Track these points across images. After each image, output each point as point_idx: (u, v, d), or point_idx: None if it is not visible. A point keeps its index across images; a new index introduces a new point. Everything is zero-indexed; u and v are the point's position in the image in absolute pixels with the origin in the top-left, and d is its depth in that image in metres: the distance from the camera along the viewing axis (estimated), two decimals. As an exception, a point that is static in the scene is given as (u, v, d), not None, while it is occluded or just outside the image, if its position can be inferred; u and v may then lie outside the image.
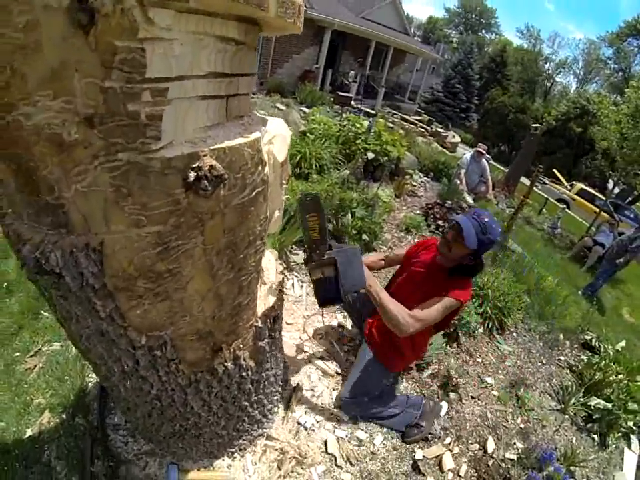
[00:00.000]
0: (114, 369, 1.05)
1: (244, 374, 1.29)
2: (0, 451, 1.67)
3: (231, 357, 1.16)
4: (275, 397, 1.84)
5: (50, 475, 1.61)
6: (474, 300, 3.10)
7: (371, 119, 6.60)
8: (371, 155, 5.53)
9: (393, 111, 15.03)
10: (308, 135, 5.56)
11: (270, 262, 1.41)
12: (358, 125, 5.98)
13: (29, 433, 1.77)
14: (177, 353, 1.01)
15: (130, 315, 0.85)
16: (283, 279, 1.41)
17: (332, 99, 11.19)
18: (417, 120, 15.28)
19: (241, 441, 1.71)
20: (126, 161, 0.60)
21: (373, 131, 5.81)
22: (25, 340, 2.22)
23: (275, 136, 0.88)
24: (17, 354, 2.14)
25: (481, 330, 3.13)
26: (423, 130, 13.43)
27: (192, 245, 0.78)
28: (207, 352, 1.09)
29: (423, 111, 19.51)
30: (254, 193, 0.81)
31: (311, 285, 1.57)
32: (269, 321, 1.27)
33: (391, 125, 8.58)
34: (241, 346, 1.19)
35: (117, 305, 0.82)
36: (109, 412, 1.84)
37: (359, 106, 12.40)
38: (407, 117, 14.87)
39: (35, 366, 2.09)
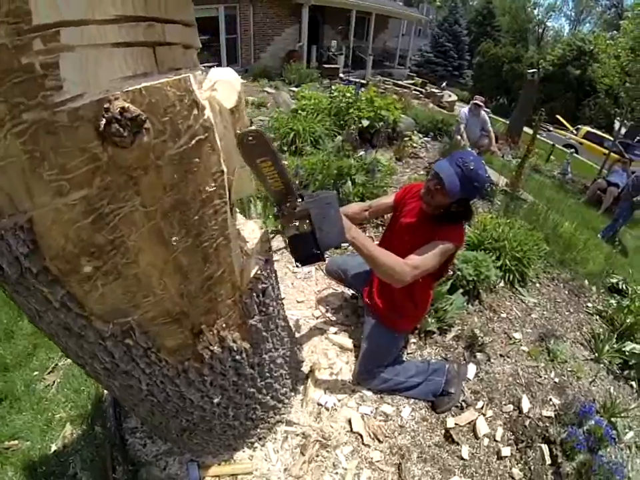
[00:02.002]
0: (96, 367, 1.00)
1: (237, 357, 1.17)
2: (29, 469, 1.71)
3: (216, 340, 1.05)
4: (289, 380, 1.74)
5: None
6: (491, 253, 2.93)
7: (355, 84, 6.40)
8: (365, 122, 5.34)
9: (384, 78, 14.66)
10: (299, 112, 5.47)
11: (253, 232, 1.27)
12: (348, 95, 5.81)
13: (53, 447, 1.79)
14: (152, 340, 0.93)
15: (89, 303, 0.79)
16: (270, 248, 1.26)
17: (320, 74, 10.99)
18: (410, 84, 14.94)
19: (258, 430, 1.65)
20: (31, 121, 0.55)
21: (359, 93, 5.68)
22: (41, 358, 2.31)
23: (218, 82, 0.80)
24: (36, 373, 2.22)
25: (501, 284, 2.96)
26: (417, 93, 13.09)
27: (129, 209, 0.69)
28: (187, 336, 0.98)
29: (415, 75, 19.03)
30: (194, 142, 0.71)
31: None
32: (255, 295, 1.14)
33: (383, 92, 8.33)
34: (225, 325, 1.06)
35: (70, 291, 0.75)
36: (125, 416, 1.81)
37: (349, 77, 12.12)
38: (399, 82, 14.50)
39: (54, 382, 2.16)
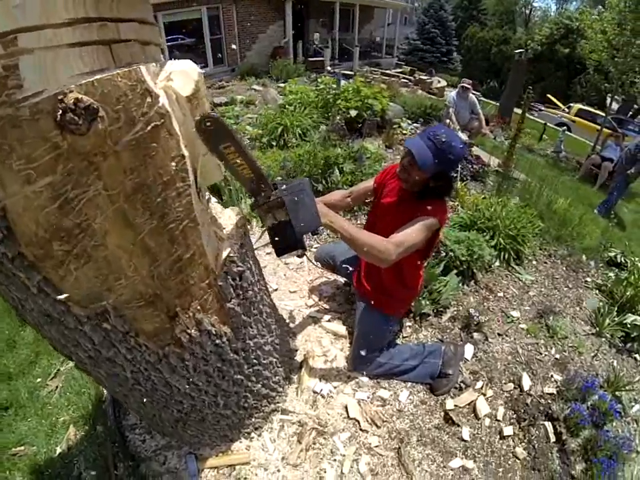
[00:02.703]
0: (81, 356, 1.04)
1: (218, 342, 1.17)
2: (36, 472, 1.75)
3: (192, 323, 1.05)
4: (281, 368, 1.73)
5: None
6: (484, 233, 2.89)
7: (335, 74, 6.40)
8: (353, 112, 5.31)
9: (372, 69, 14.59)
10: (287, 106, 5.48)
11: (230, 219, 1.27)
12: (334, 86, 5.81)
13: (58, 450, 1.83)
14: (129, 324, 0.96)
15: (65, 288, 0.83)
16: (245, 233, 1.26)
17: (306, 68, 10.95)
18: (398, 72, 14.86)
19: (253, 419, 1.65)
20: None
21: (341, 83, 5.72)
22: (44, 365, 2.36)
23: (173, 72, 0.83)
24: (39, 380, 2.27)
25: (497, 263, 2.92)
26: (406, 81, 13.01)
27: (93, 193, 0.74)
28: (163, 320, 1.00)
29: (403, 63, 18.97)
30: (149, 127, 0.75)
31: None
32: (230, 278, 1.13)
33: (370, 82, 8.28)
34: (200, 308, 1.06)
35: (46, 277, 0.81)
36: (124, 414, 1.84)
37: (336, 70, 12.04)
38: (387, 71, 14.42)
39: (57, 387, 2.20)
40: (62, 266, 0.79)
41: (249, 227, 1.26)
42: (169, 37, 10.67)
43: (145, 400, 1.26)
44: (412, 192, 1.69)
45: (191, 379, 1.19)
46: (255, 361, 1.42)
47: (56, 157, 0.67)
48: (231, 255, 1.11)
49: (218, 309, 1.13)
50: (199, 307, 1.06)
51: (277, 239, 1.28)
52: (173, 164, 0.83)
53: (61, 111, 0.62)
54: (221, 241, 1.13)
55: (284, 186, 1.22)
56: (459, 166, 4.29)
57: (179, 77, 0.83)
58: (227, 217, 1.27)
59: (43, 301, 0.84)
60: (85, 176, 0.71)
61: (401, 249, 1.50)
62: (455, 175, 4.17)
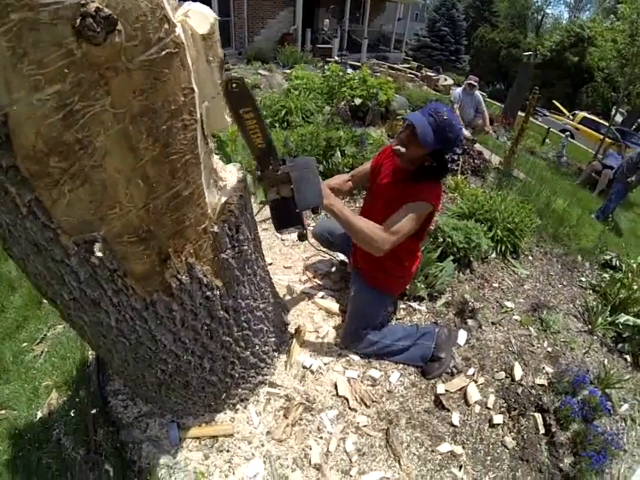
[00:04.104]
0: (65, 298, 1.02)
1: (209, 294, 1.14)
2: (15, 437, 1.72)
3: (184, 267, 1.03)
4: (272, 339, 1.70)
5: (60, 451, 1.61)
6: (483, 224, 2.86)
7: (342, 62, 6.38)
8: (358, 101, 5.31)
9: (380, 62, 14.47)
10: (292, 90, 5.48)
11: (231, 173, 1.24)
12: (341, 74, 5.74)
13: (39, 415, 1.81)
14: (117, 261, 0.93)
15: (56, 212, 0.81)
16: (245, 186, 1.23)
17: (313, 55, 10.89)
18: (405, 67, 14.73)
19: (239, 390, 1.62)
20: (17, 20, 0.60)
21: (349, 72, 5.73)
22: (31, 330, 2.34)
23: (190, 10, 0.86)
24: (25, 344, 2.25)
25: (493, 255, 2.90)
26: (412, 76, 12.90)
27: (99, 108, 0.72)
28: (154, 261, 0.98)
29: (411, 59, 18.81)
30: (164, 52, 0.76)
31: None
32: (227, 227, 1.11)
33: (378, 75, 8.23)
34: (192, 252, 1.04)
35: (38, 197, 0.77)
36: (108, 379, 1.81)
37: (344, 60, 11.95)
38: (394, 65, 14.30)
39: (42, 352, 2.18)
40: (56, 186, 0.77)
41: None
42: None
43: (128, 356, 1.23)
44: (406, 171, 1.66)
45: (177, 334, 1.17)
46: (245, 324, 1.40)
47: (68, 65, 0.65)
48: (229, 203, 1.10)
49: (212, 259, 1.12)
50: (192, 251, 1.04)
51: (278, 213, 1.33)
52: (182, 95, 0.84)
53: (80, 17, 0.61)
54: (221, 189, 1.11)
55: (292, 162, 1.26)
56: (457, 152, 4.28)
57: (196, 15, 0.86)
58: (229, 172, 1.25)
59: (32, 224, 0.82)
60: (94, 89, 0.70)
61: (395, 238, 1.52)
62: (456, 168, 4.15)
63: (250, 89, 1.00)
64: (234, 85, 0.96)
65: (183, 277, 1.04)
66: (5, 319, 2.43)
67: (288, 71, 8.73)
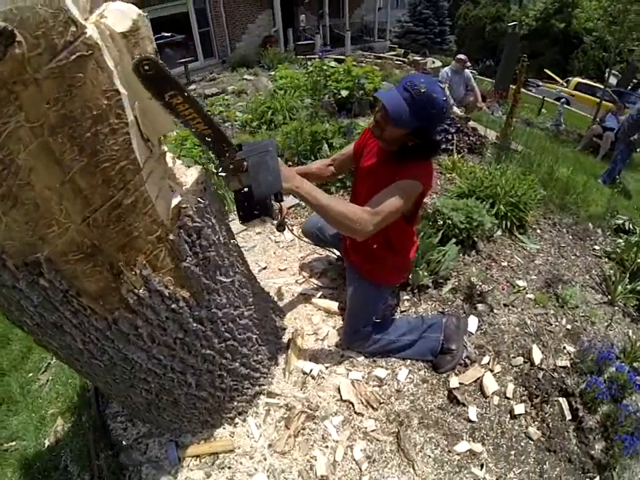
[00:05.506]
0: (28, 323, 1.01)
1: (174, 306, 1.08)
2: (25, 467, 1.76)
3: (140, 281, 0.98)
4: (264, 347, 1.62)
5: (67, 478, 1.62)
6: (483, 201, 2.72)
7: (321, 55, 6.31)
8: (345, 93, 5.23)
9: (365, 52, 14.36)
10: (277, 91, 5.47)
11: (191, 176, 1.15)
12: (325, 67, 5.60)
13: (47, 443, 1.83)
14: (67, 281, 0.90)
15: None
16: (206, 188, 1.14)
17: (295, 53, 10.90)
18: (392, 55, 14.60)
19: (235, 403, 1.57)
20: None
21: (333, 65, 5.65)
22: (35, 359, 2.41)
23: (107, 9, 0.82)
24: (30, 374, 2.32)
25: (499, 232, 2.76)
26: (400, 63, 12.78)
27: (15, 125, 0.71)
28: (107, 277, 0.94)
29: (397, 46, 18.64)
30: (74, 57, 0.72)
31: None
32: (185, 234, 1.03)
33: (363, 65, 8.13)
34: (147, 264, 0.98)
35: None
36: (107, 402, 1.81)
37: (328, 55, 11.85)
38: (380, 54, 14.17)
39: (47, 380, 2.23)
40: (-13, 211, 0.75)
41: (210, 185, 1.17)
42: (157, 36, 10.49)
43: (108, 378, 1.21)
44: (390, 152, 1.52)
45: (150, 352, 1.12)
46: (227, 334, 1.33)
47: (-29, 84, 0.63)
48: (183, 206, 1.02)
49: (172, 269, 1.06)
50: (145, 263, 0.98)
51: (241, 204, 1.23)
52: (105, 98, 0.79)
53: None
54: (177, 197, 1.03)
55: (249, 147, 1.16)
56: (451, 131, 4.14)
57: (113, 14, 0.82)
58: (189, 175, 1.15)
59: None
60: (5, 106, 0.69)
61: (379, 217, 1.36)
62: (451, 147, 4.01)
63: (167, 70, 0.84)
64: (146, 68, 0.81)
65: (141, 291, 0.99)
66: (11, 351, 2.50)
67: (273, 73, 8.73)
